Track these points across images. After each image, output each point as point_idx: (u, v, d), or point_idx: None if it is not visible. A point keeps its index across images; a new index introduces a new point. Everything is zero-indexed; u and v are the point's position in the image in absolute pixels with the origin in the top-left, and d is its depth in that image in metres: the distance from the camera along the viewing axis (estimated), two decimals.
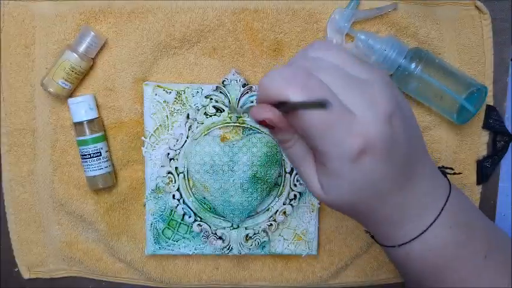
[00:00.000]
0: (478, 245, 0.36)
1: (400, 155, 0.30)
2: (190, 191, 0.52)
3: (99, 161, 0.51)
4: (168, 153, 0.51)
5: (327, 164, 0.29)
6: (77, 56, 0.49)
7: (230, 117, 0.51)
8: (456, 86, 0.49)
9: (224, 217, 0.53)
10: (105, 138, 0.52)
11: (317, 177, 0.32)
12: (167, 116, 0.52)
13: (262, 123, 0.29)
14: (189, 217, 0.53)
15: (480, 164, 0.55)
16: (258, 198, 0.51)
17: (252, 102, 0.51)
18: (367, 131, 0.27)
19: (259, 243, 0.53)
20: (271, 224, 0.53)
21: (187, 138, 0.51)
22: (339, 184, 0.30)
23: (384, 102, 0.28)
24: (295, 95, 0.27)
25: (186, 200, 0.52)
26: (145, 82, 0.52)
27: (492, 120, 0.54)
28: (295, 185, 0.52)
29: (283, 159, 0.52)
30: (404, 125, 0.29)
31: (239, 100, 0.51)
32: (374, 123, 0.28)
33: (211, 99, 0.51)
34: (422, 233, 0.34)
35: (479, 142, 0.55)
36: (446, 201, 0.34)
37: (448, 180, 0.37)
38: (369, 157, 0.28)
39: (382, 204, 0.32)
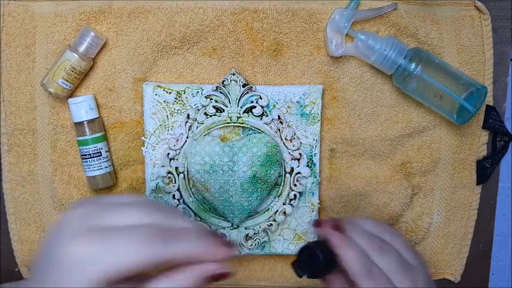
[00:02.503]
0: None
1: None
2: (190, 191, 0.52)
3: (99, 161, 0.51)
4: (168, 153, 0.51)
5: None
6: (77, 56, 0.49)
7: (230, 117, 0.51)
8: (456, 86, 0.49)
9: (224, 217, 0.53)
10: (105, 138, 0.52)
11: None
12: (167, 116, 0.52)
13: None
14: (189, 217, 0.53)
15: (480, 164, 0.55)
16: (258, 198, 0.51)
17: (252, 102, 0.51)
18: None
19: (259, 243, 0.53)
20: (271, 224, 0.53)
21: (187, 138, 0.51)
22: None
23: (421, 283, 0.38)
24: (360, 278, 0.37)
25: (186, 200, 0.52)
26: (146, 82, 0.52)
27: (492, 120, 0.54)
28: (295, 185, 0.52)
29: (283, 159, 0.52)
30: None
31: (239, 100, 0.51)
32: None
33: (211, 99, 0.51)
34: None
35: (479, 142, 0.55)
36: None
37: None
38: None
39: None
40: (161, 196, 0.53)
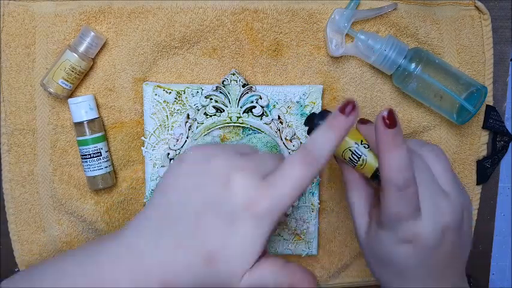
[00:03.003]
0: None
1: (437, 263, 0.34)
2: None
3: (99, 161, 0.51)
4: (168, 153, 0.51)
5: (381, 228, 0.34)
6: (77, 56, 0.49)
7: (230, 117, 0.51)
8: (456, 86, 0.49)
9: None
10: (105, 138, 0.52)
11: (368, 220, 0.36)
12: (167, 116, 0.52)
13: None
14: None
15: (480, 164, 0.55)
16: None
17: (252, 102, 0.51)
18: (421, 233, 0.33)
19: None
20: None
21: (187, 138, 0.51)
22: (379, 243, 0.35)
23: (449, 218, 0.33)
24: (393, 192, 0.33)
25: None
26: (145, 82, 0.52)
27: (492, 120, 0.54)
28: None
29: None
30: (455, 241, 0.34)
31: (239, 100, 0.51)
32: (431, 230, 0.33)
33: (211, 99, 0.51)
34: None
35: (479, 142, 0.55)
36: None
37: None
38: (411, 250, 0.33)
39: (399, 281, 0.36)
40: None
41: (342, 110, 0.31)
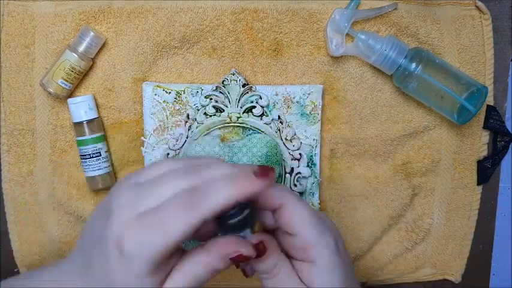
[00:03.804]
0: None
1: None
2: None
3: (98, 161, 0.51)
4: (168, 153, 0.51)
5: (317, 260, 0.35)
6: (76, 56, 0.49)
7: (230, 117, 0.51)
8: (456, 86, 0.48)
9: None
10: (104, 138, 0.52)
11: (300, 277, 0.36)
12: (167, 116, 0.52)
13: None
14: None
15: (480, 164, 0.55)
16: None
17: (252, 102, 0.51)
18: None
19: None
20: None
21: (187, 138, 0.51)
22: (329, 270, 0.35)
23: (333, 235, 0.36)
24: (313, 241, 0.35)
25: None
26: (145, 82, 0.52)
27: (492, 120, 0.54)
28: (295, 185, 0.52)
29: (283, 160, 0.52)
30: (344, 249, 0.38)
31: (239, 100, 0.51)
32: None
33: (211, 99, 0.51)
34: None
35: (479, 142, 0.55)
36: None
37: None
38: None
39: None
40: None
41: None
